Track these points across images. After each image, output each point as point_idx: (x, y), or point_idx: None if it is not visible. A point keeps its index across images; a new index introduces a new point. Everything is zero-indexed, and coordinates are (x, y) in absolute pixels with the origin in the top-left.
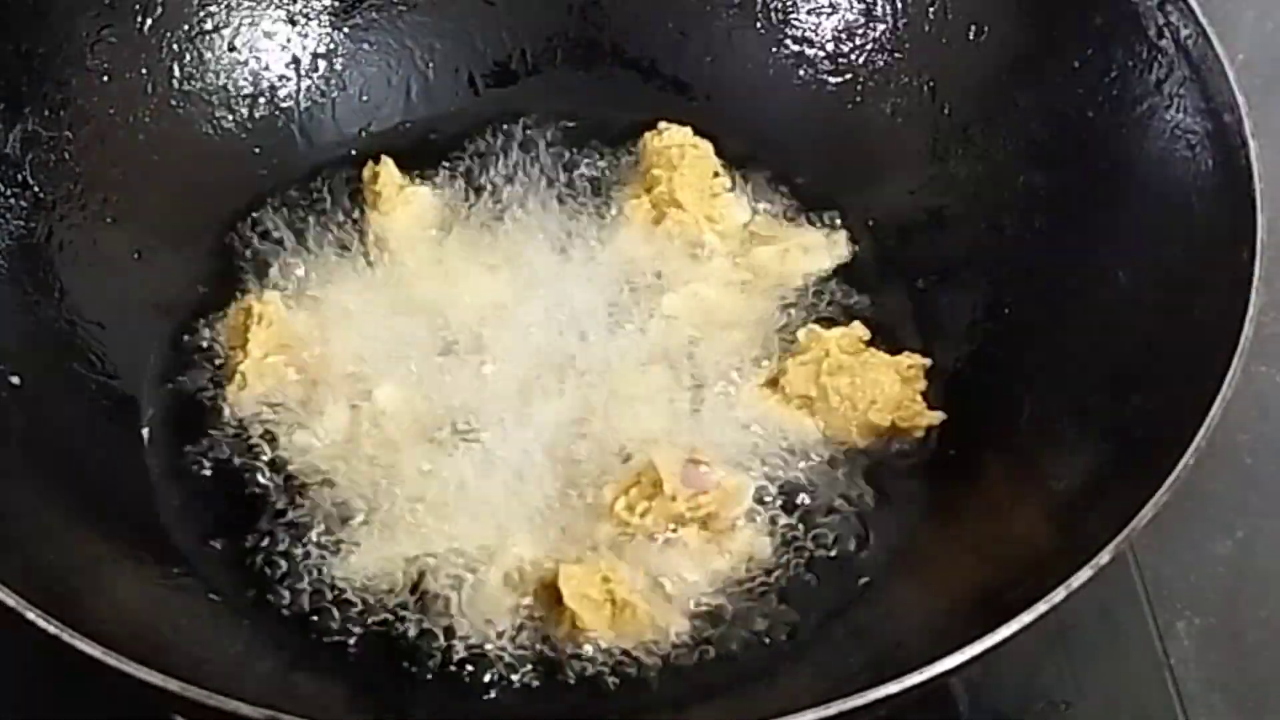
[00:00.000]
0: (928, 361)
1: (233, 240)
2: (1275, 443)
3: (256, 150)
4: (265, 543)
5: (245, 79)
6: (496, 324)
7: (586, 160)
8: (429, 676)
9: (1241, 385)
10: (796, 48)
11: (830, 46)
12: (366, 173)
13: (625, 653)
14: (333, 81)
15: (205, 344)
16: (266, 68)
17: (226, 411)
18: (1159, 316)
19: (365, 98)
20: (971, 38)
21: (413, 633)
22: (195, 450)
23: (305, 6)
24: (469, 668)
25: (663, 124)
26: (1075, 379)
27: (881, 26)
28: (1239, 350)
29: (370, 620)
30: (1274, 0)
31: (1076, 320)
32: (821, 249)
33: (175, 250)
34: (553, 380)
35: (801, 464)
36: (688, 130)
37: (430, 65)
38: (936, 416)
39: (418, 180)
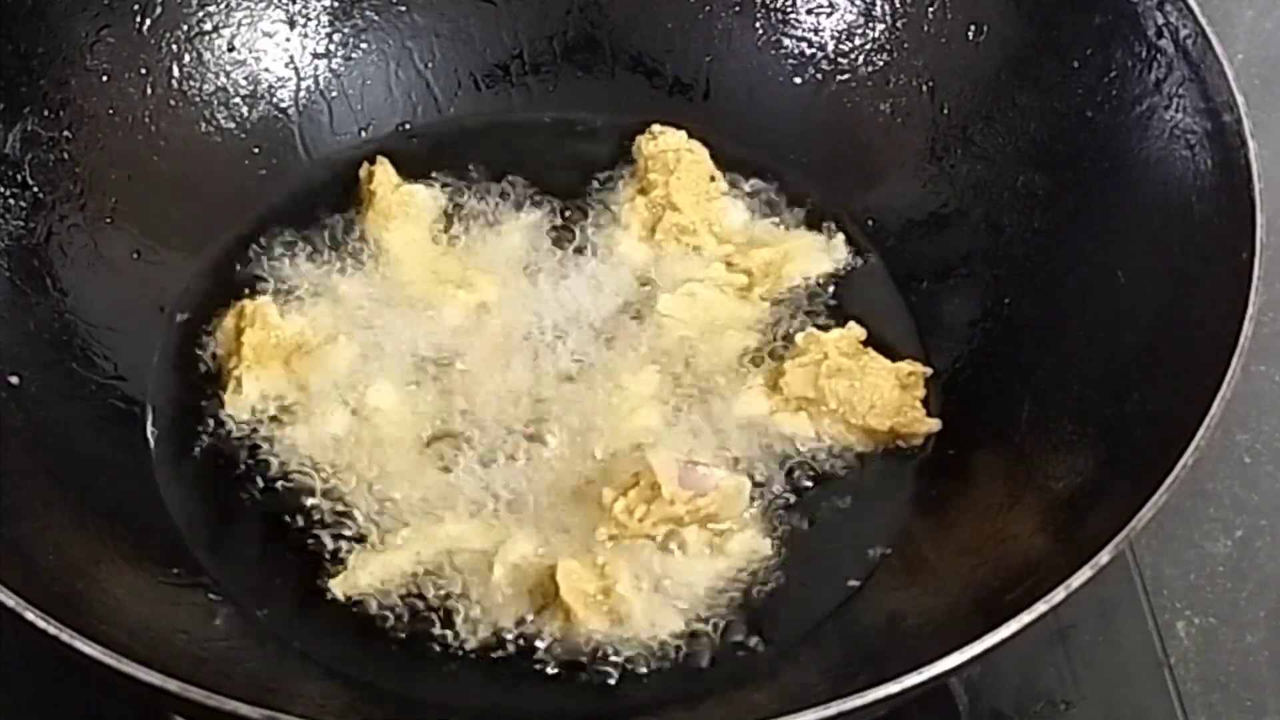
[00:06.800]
0: (928, 370)
1: (231, 240)
2: (1275, 443)
3: (255, 150)
4: (265, 543)
5: (244, 79)
6: (492, 324)
7: (585, 161)
8: (429, 675)
9: (1241, 385)
10: (796, 48)
11: (830, 47)
12: (363, 173)
13: (623, 651)
14: (332, 82)
15: (205, 344)
16: (266, 68)
17: (224, 414)
18: (1159, 316)
19: (364, 98)
20: (971, 38)
21: (413, 632)
22: (194, 451)
23: (305, 7)
24: (469, 666)
25: (656, 126)
26: (1075, 379)
27: (880, 26)
28: (1239, 350)
29: (370, 620)
30: (1272, 0)
31: (1076, 320)
32: (819, 250)
33: (174, 250)
34: (549, 381)
35: (800, 466)
36: (682, 134)
37: (429, 66)
38: (935, 424)
39: (415, 181)
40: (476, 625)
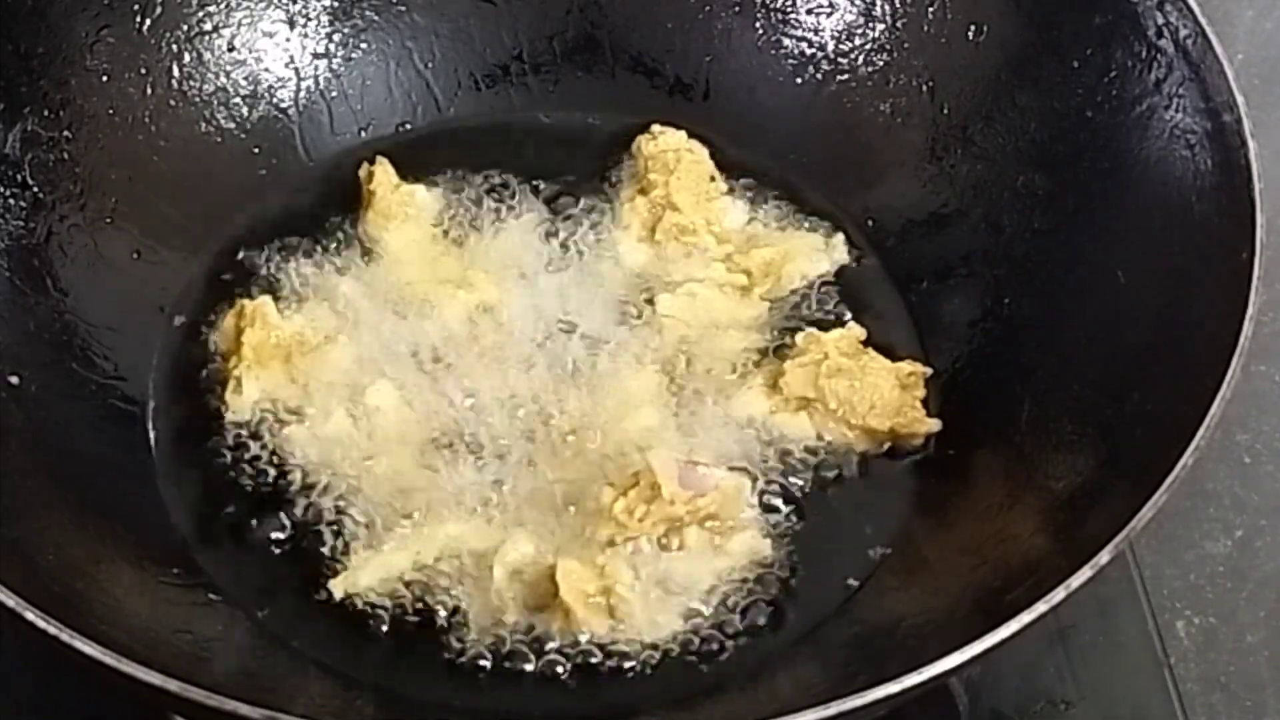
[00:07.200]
0: (928, 370)
1: (231, 240)
2: (1274, 443)
3: (255, 150)
4: (265, 543)
5: (244, 80)
6: (492, 325)
7: (584, 161)
8: (429, 675)
9: (1241, 385)
10: (796, 48)
11: (830, 47)
12: (363, 173)
13: (623, 651)
14: (332, 82)
15: (205, 345)
16: (266, 68)
17: (224, 414)
18: (1159, 316)
19: (364, 98)
20: (970, 37)
21: (412, 632)
22: (194, 452)
23: (305, 7)
24: (469, 667)
25: (656, 127)
26: (1075, 379)
27: (880, 26)
28: (1239, 350)
29: (370, 620)
30: (1273, 0)
31: (1076, 320)
32: (819, 251)
33: (174, 250)
34: (549, 381)
35: (800, 466)
36: (682, 134)
37: (429, 66)
38: (935, 424)
39: (415, 181)
40: (476, 625)
